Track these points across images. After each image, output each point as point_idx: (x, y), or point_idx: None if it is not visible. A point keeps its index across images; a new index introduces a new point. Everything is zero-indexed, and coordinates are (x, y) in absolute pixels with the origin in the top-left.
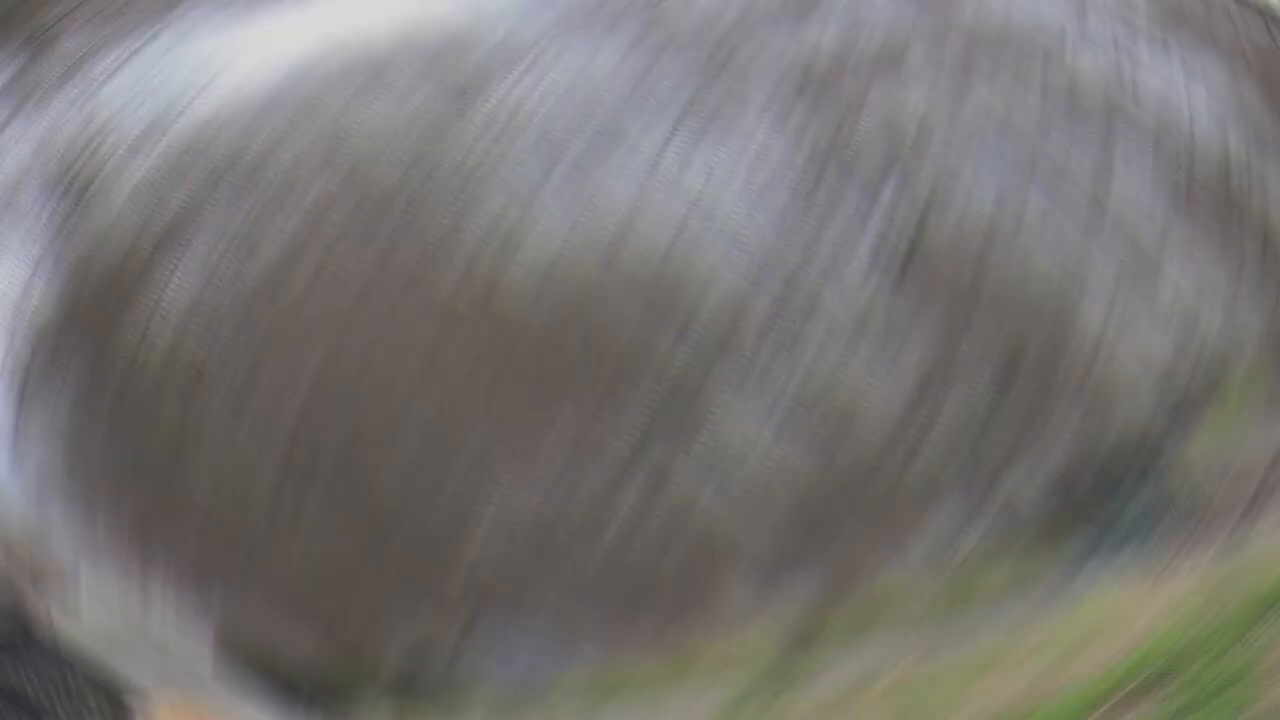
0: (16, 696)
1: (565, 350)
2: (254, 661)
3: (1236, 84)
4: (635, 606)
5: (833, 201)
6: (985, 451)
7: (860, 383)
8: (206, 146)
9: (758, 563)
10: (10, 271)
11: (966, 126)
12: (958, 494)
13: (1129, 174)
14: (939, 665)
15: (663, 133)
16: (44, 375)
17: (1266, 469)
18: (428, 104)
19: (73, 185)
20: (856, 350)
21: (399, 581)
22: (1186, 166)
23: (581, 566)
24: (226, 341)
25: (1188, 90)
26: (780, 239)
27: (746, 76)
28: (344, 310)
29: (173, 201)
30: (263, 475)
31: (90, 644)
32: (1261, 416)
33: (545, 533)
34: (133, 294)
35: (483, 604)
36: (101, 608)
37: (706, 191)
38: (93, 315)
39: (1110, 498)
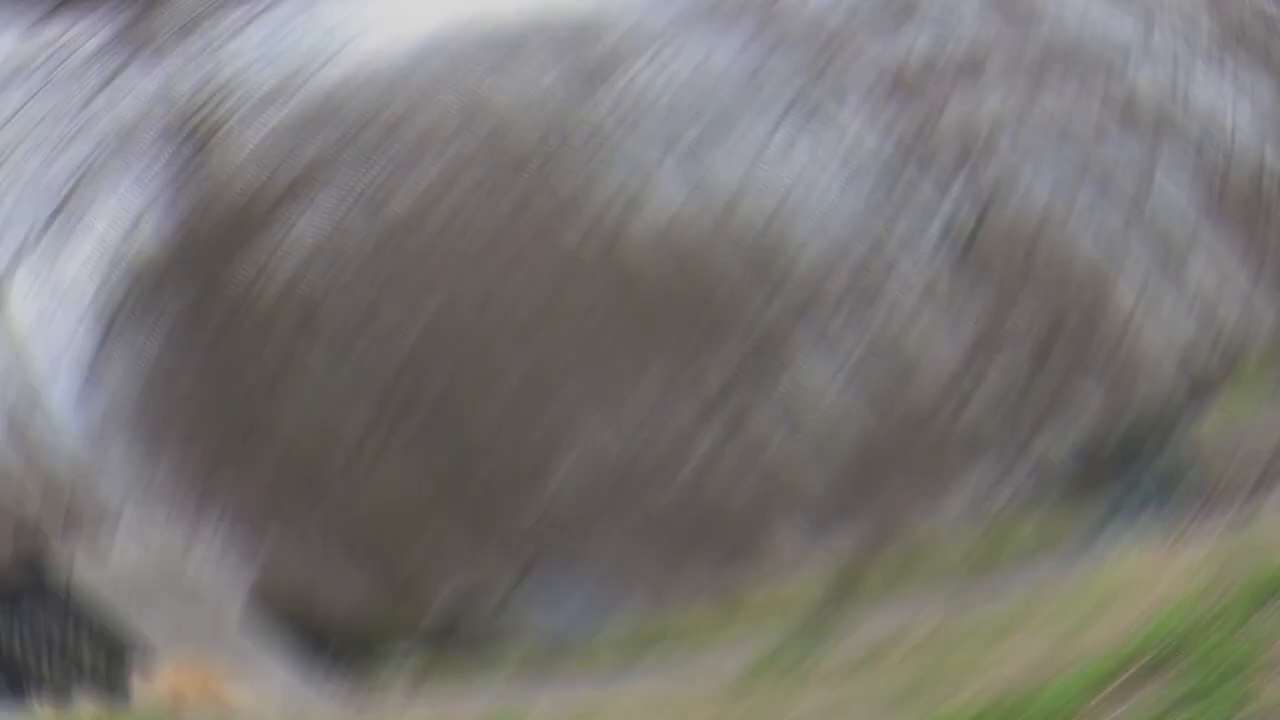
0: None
1: (673, 299)
2: (289, 609)
3: None
4: (692, 549)
5: (911, 189)
6: (1023, 413)
7: (921, 344)
8: (339, 107)
9: (813, 507)
10: (116, 211)
11: (1031, 130)
12: (996, 451)
13: (1169, 178)
14: (964, 624)
15: (770, 122)
16: (138, 310)
17: (1274, 452)
18: (560, 83)
19: (194, 134)
20: (920, 316)
21: (469, 521)
22: (1223, 173)
23: (651, 506)
24: (347, 281)
25: (1234, 104)
26: (863, 218)
27: (846, 76)
28: (472, 256)
29: (304, 154)
30: (357, 412)
31: (110, 593)
32: (1271, 401)
33: (624, 472)
34: (253, 235)
35: (545, 546)
36: (135, 552)
37: (805, 174)
38: (206, 254)
39: (1131, 463)
